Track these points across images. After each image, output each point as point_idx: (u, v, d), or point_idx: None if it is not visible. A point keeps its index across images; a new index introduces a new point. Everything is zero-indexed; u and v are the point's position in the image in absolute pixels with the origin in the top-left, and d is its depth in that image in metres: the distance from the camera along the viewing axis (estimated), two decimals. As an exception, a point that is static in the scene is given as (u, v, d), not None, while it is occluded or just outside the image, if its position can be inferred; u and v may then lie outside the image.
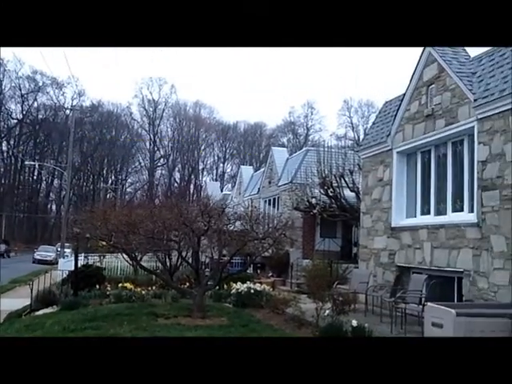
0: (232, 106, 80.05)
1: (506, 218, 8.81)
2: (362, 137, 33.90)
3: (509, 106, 8.90)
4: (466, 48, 10.20)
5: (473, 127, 9.88)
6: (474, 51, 11.17)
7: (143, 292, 14.27)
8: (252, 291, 13.26)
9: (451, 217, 10.65)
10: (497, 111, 9.22)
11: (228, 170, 71.00)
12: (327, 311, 10.02)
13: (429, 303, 8.30)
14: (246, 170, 33.57)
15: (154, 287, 15.40)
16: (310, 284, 14.51)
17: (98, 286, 15.43)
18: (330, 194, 18.57)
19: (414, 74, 11.96)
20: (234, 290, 13.64)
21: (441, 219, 10.91)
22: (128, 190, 70.22)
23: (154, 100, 68.39)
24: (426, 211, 11.76)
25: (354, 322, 8.81)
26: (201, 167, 69.92)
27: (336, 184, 18.59)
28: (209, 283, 12.34)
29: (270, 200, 25.09)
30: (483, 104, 9.51)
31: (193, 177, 68.95)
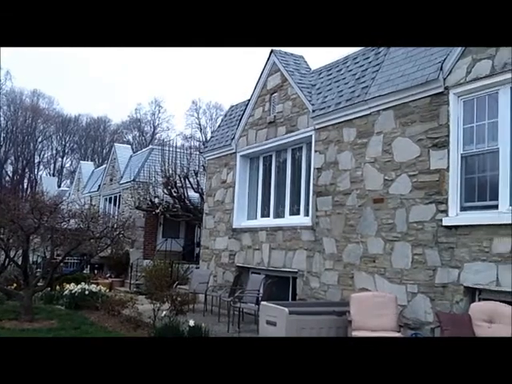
0: (74, 97, 76.14)
1: (337, 222, 9.45)
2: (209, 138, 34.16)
3: (343, 119, 9.56)
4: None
5: (310, 136, 10.45)
6: (314, 64, 11.87)
7: (-37, 294, 13.02)
8: (87, 292, 12.74)
9: (289, 220, 11.17)
10: (332, 123, 9.85)
11: (67, 165, 67.45)
12: (164, 312, 9.94)
13: (264, 302, 8.59)
14: (86, 166, 32.20)
15: (-24, 289, 14.09)
16: (149, 284, 14.34)
17: None
18: (174, 194, 18.49)
19: (258, 81, 12.37)
20: (67, 292, 12.99)
21: (279, 222, 11.39)
22: (-49, 181, 63.77)
23: (-15, 86, 62.93)
24: (266, 214, 12.20)
25: (191, 322, 8.84)
26: (37, 161, 65.70)
27: (180, 184, 18.57)
28: (39, 284, 11.60)
29: (110, 198, 24.31)
30: (320, 115, 10.10)
31: (27, 170, 64.58)
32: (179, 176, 18.64)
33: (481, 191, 7.20)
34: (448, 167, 7.47)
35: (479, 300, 6.98)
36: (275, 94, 11.82)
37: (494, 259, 6.70)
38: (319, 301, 9.48)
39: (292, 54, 12.08)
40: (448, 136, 7.51)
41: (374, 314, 7.50)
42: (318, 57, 13.58)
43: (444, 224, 7.39)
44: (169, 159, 19.17)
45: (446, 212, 7.42)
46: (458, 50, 7.37)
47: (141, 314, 10.43)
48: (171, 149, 19.99)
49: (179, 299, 11.17)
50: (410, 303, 7.78)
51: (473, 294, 7.08)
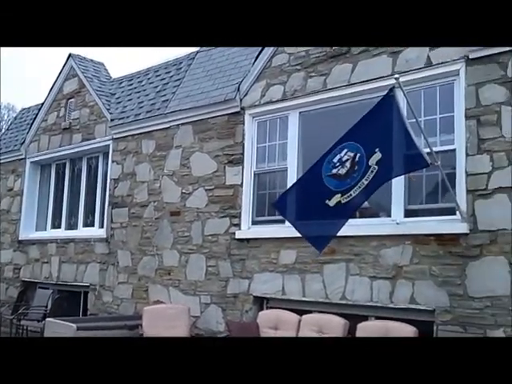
0: None
1: (132, 234, 9.33)
2: None
3: (142, 130, 9.49)
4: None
5: (108, 145, 10.19)
6: (115, 73, 11.65)
7: None
8: None
9: (82, 231, 10.72)
10: (131, 133, 9.73)
11: None
12: None
13: (49, 318, 8.14)
14: None
15: None
16: None
17: None
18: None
19: (54, 84, 11.74)
20: None
21: (71, 233, 10.86)
22: None
23: None
24: (57, 225, 11.55)
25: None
26: None
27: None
28: None
29: None
30: (119, 125, 9.92)
31: None
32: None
33: (271, 206, 7.70)
34: (242, 183, 7.86)
35: (267, 308, 7.43)
36: (72, 100, 11.32)
37: (281, 270, 7.20)
38: (111, 315, 9.22)
39: (92, 60, 11.71)
40: (243, 154, 7.92)
41: (167, 325, 7.52)
42: (119, 66, 13.37)
43: (237, 237, 7.74)
44: None
45: (238, 225, 7.79)
46: (255, 73, 7.85)
47: None
48: None
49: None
50: (203, 314, 7.97)
51: (261, 302, 7.51)
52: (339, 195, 5.51)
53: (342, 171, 5.49)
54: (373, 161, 5.44)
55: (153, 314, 7.78)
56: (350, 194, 5.48)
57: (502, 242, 5.41)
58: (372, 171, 5.45)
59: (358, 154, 5.43)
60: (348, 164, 5.47)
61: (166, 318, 7.66)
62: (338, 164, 5.51)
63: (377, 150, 5.44)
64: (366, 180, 5.42)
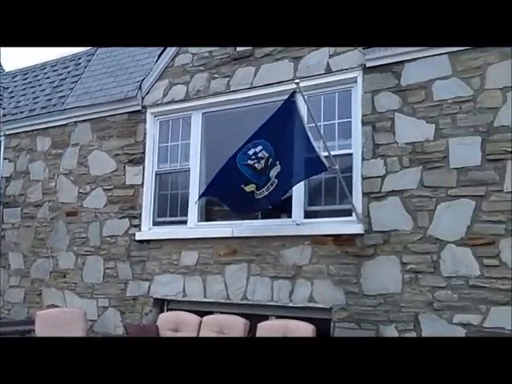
0: None
1: (25, 235, 8.87)
2: None
3: (37, 127, 9.07)
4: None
5: (-1, 142, 9.66)
6: (9, 66, 11.03)
7: None
8: None
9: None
10: (25, 130, 9.25)
11: None
12: None
13: None
14: None
15: None
16: None
17: None
18: None
19: None
20: None
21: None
22: None
23: None
24: None
25: None
26: None
27: None
28: None
29: None
30: (12, 120, 9.42)
31: None
32: None
33: (172, 207, 7.63)
34: (143, 183, 7.72)
35: (167, 310, 7.34)
36: (-42, 92, 10.59)
37: (182, 271, 7.14)
38: (1, 320, 8.71)
39: (-18, 52, 11.02)
40: (144, 153, 7.77)
41: (62, 330, 7.20)
42: (14, 59, 12.68)
43: (137, 238, 7.58)
44: None
45: (138, 226, 7.64)
46: (157, 71, 7.74)
47: None
48: None
49: None
50: (101, 317, 7.73)
51: (162, 304, 7.40)
52: (254, 186, 5.90)
53: (258, 166, 5.73)
54: (273, 173, 5.69)
55: (46, 319, 7.43)
56: (263, 192, 5.87)
57: (394, 242, 5.71)
58: (272, 184, 5.71)
59: (271, 160, 5.69)
60: (263, 162, 5.69)
61: (61, 322, 7.34)
62: (253, 157, 5.71)
63: (277, 162, 5.67)
64: (267, 191, 5.74)
